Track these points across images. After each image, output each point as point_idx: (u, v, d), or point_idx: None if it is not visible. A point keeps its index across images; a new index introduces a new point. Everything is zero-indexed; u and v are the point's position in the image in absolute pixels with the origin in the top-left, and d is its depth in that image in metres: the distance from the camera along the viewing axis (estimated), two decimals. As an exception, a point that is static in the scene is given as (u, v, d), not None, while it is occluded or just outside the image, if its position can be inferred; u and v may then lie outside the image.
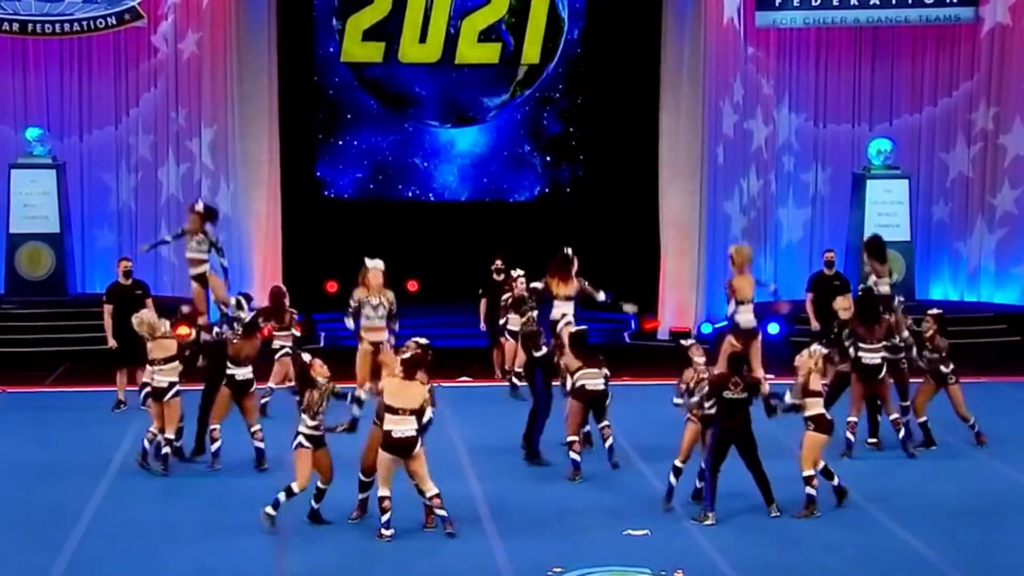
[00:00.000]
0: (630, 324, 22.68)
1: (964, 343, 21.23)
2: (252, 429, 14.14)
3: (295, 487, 12.04)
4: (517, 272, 17.60)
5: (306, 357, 12.39)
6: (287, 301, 16.60)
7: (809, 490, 12.53)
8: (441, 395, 17.08)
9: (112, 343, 16.34)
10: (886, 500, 13.05)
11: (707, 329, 22.13)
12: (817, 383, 12.86)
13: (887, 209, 22.09)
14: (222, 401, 14.05)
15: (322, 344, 21.29)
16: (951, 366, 15.04)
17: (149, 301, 16.49)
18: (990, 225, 22.99)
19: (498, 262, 18.64)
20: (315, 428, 12.05)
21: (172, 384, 13.80)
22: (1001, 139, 22.77)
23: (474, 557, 11.50)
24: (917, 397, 15.07)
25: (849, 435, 14.69)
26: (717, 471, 12.45)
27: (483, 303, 18.67)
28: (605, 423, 14.13)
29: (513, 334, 17.54)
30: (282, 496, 12.02)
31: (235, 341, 14.08)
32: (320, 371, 12.20)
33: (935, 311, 15.47)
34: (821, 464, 12.71)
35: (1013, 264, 22.91)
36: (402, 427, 11.81)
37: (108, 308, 16.63)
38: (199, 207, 16.45)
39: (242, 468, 14.01)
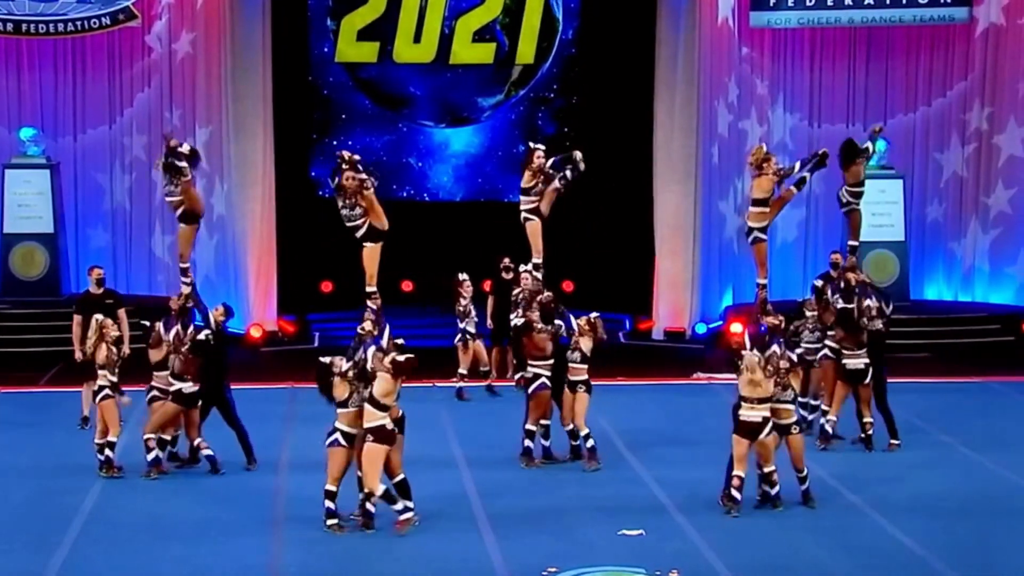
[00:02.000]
0: (624, 324, 22.71)
1: (958, 343, 21.37)
2: (196, 441, 13.95)
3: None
4: (525, 267, 17.56)
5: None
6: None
7: (732, 490, 12.55)
8: (436, 395, 17.22)
9: (79, 355, 15.27)
10: (883, 501, 13.06)
11: (702, 329, 22.16)
12: (748, 388, 12.57)
13: (881, 209, 22.08)
14: (167, 414, 13.78)
15: (316, 344, 21.30)
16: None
17: (122, 312, 15.74)
18: (984, 225, 23.00)
19: (506, 260, 18.49)
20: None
21: (102, 387, 13.78)
22: (995, 139, 22.77)
23: (469, 557, 11.51)
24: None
25: (828, 428, 14.91)
26: None
27: (491, 301, 18.55)
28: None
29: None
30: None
31: (186, 355, 13.70)
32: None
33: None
34: (768, 468, 12.66)
35: (1007, 264, 22.92)
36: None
37: (77, 319, 15.71)
38: (183, 148, 14.51)
39: (235, 467, 13.98)
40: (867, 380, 14.80)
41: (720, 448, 13.16)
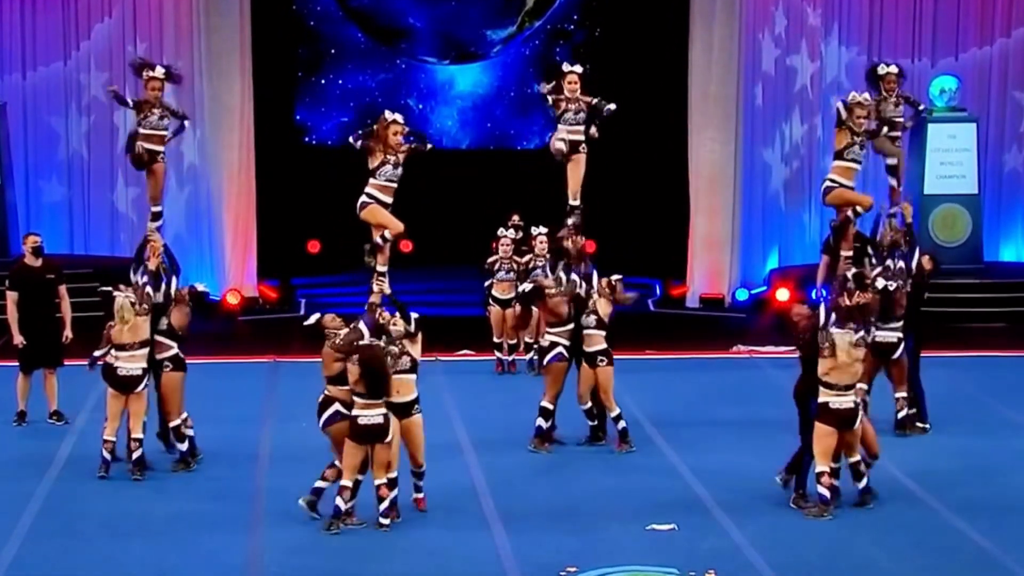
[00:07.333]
0: (655, 290, 22.72)
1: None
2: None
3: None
4: (537, 230, 17.59)
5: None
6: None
7: (820, 489, 12.49)
8: (439, 371, 17.27)
9: (19, 339, 14.93)
10: (949, 490, 13.07)
11: (743, 296, 22.18)
12: (837, 374, 12.43)
13: (951, 157, 22.07)
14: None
15: (302, 312, 21.34)
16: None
17: (63, 289, 15.21)
18: (1071, 176, 23.03)
19: (515, 218, 18.51)
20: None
21: (145, 372, 13.26)
22: (1085, 76, 22.77)
23: (476, 555, 11.55)
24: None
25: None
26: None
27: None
28: None
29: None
30: None
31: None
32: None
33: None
34: (854, 458, 12.59)
35: (1097, 222, 22.95)
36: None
37: (12, 296, 15.06)
38: (157, 72, 13.79)
39: (210, 460, 13.97)
40: (897, 355, 14.56)
41: (764, 432, 13.19)
